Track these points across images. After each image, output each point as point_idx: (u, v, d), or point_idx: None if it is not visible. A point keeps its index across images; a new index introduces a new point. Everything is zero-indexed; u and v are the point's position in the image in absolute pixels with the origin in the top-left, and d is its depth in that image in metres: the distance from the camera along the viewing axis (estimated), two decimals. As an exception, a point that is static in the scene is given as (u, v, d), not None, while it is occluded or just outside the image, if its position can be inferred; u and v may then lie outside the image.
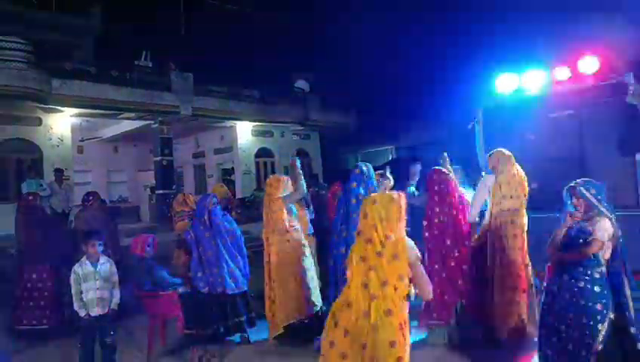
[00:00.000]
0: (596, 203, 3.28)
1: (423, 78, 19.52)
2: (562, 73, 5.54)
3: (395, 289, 2.62)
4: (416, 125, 20.40)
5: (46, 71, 11.81)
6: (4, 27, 13.26)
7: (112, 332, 4.15)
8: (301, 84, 18.57)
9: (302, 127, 18.84)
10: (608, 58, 5.33)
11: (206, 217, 4.58)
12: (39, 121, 13.07)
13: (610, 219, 3.25)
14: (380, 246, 2.65)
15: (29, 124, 12.92)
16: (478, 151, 6.09)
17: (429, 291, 2.79)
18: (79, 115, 13.77)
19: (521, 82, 5.84)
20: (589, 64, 5.32)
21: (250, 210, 13.84)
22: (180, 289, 4.76)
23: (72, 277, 4.03)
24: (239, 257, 4.76)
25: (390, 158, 21.98)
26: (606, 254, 3.26)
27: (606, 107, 5.41)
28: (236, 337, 4.82)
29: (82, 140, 17.00)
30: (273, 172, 18.40)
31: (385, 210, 2.70)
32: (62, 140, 13.53)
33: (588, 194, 3.30)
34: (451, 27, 18.70)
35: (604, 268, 3.26)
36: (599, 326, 3.13)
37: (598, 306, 3.16)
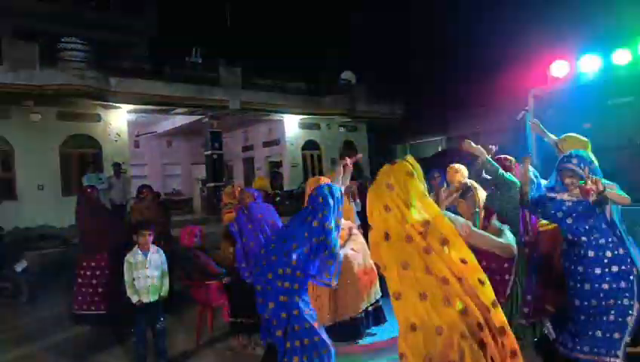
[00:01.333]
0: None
1: (472, 65, 18.91)
2: (622, 56, 5.19)
3: (466, 279, 2.11)
4: (467, 114, 19.83)
5: (104, 69, 12.43)
6: (65, 29, 14.08)
7: (162, 319, 4.34)
8: (347, 75, 18.46)
9: (349, 119, 18.74)
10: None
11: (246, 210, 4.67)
12: (98, 118, 13.79)
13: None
14: (422, 240, 2.05)
15: (90, 120, 13.67)
16: (529, 141, 5.83)
17: (505, 245, 2.43)
18: (135, 111, 14.44)
19: (577, 67, 5.53)
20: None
21: (297, 202, 13.99)
22: (226, 279, 4.90)
23: (125, 265, 4.25)
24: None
25: (440, 149, 21.52)
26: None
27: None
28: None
29: (138, 135, 17.85)
30: (320, 164, 18.49)
31: (406, 190, 2.10)
32: (119, 135, 14.22)
33: (581, 171, 3.11)
34: (501, 11, 17.95)
35: None
36: (636, 289, 3.07)
37: (631, 267, 3.11)
